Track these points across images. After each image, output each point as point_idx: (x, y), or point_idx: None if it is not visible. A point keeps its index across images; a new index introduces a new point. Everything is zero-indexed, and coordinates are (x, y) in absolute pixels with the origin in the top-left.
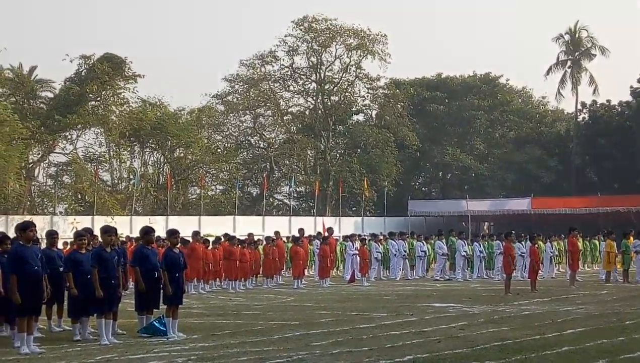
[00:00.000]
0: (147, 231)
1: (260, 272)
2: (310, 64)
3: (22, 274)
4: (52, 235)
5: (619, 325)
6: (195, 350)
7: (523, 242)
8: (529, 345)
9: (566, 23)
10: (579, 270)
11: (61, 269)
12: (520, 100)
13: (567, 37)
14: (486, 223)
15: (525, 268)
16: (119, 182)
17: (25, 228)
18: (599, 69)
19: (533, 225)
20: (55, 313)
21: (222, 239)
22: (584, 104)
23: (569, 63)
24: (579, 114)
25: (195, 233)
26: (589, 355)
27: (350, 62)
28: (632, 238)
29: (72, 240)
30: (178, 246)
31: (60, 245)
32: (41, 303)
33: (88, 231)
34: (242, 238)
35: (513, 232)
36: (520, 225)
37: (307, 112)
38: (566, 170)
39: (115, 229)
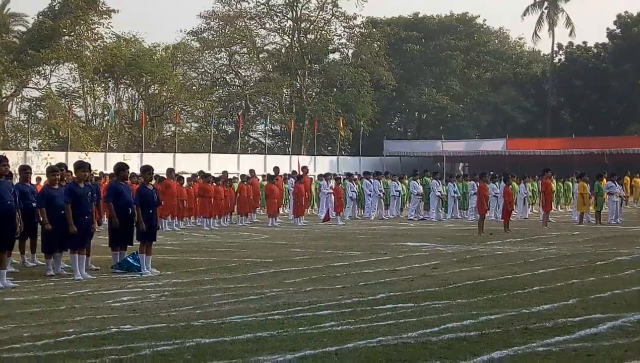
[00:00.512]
0: (121, 167)
1: (235, 210)
2: (287, 1)
3: None
4: (25, 170)
5: (590, 265)
6: (169, 286)
7: (497, 183)
8: (500, 284)
9: None
10: (552, 211)
11: (34, 204)
12: (496, 41)
13: None
14: (461, 164)
15: (499, 208)
16: (93, 118)
17: None
18: (575, 11)
19: (508, 166)
20: (28, 248)
21: (197, 177)
22: (560, 46)
23: (545, 4)
24: (555, 55)
25: (170, 171)
26: (559, 295)
27: (326, 0)
28: (605, 180)
29: (45, 175)
30: (152, 183)
31: (33, 181)
32: (14, 238)
33: (62, 166)
34: (217, 176)
35: (487, 173)
36: (495, 166)
37: (283, 50)
38: (541, 112)
39: (89, 165)
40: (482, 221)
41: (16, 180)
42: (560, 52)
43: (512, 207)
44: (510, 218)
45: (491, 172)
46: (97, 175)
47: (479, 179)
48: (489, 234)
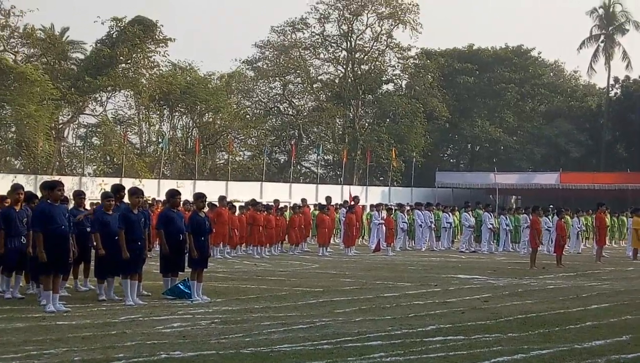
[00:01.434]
0: (173, 194)
1: (286, 239)
2: (341, 32)
3: (48, 232)
4: (79, 195)
5: None
6: (219, 314)
7: (550, 216)
8: (552, 319)
9: None
10: (606, 246)
11: (88, 229)
12: (551, 73)
13: (601, 11)
14: (514, 196)
15: (551, 242)
16: (148, 145)
17: (53, 187)
18: (632, 44)
19: (561, 199)
20: (81, 272)
21: (249, 205)
22: (616, 79)
23: (602, 37)
24: (611, 89)
25: (222, 198)
26: (612, 331)
27: (381, 31)
28: None
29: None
30: (205, 210)
31: (88, 206)
32: (68, 262)
33: (119, 188)
34: (269, 204)
35: (540, 206)
36: (548, 199)
37: (336, 80)
38: (596, 146)
39: (142, 191)
40: (535, 254)
41: (71, 205)
42: (616, 85)
43: (565, 241)
44: (563, 253)
45: (550, 206)
46: (150, 202)
47: (532, 212)
48: (541, 268)
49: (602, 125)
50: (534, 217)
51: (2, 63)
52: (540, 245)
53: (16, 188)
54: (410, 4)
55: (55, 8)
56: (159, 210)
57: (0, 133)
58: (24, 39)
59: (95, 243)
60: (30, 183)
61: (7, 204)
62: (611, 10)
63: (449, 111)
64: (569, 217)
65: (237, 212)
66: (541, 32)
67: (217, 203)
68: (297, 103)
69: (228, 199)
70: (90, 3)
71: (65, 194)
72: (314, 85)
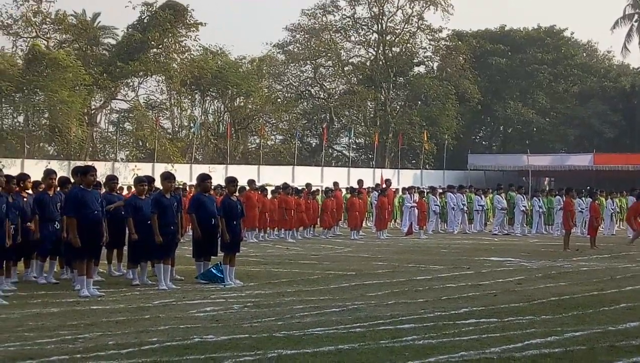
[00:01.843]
0: (203, 178)
1: (318, 223)
2: (372, 14)
3: (81, 217)
4: (112, 180)
5: None
6: (252, 297)
7: (583, 198)
8: (586, 301)
9: None
10: None
11: (122, 214)
12: (584, 54)
13: None
14: (547, 178)
15: (585, 224)
16: (180, 130)
17: (86, 172)
18: None
19: (594, 181)
20: (115, 257)
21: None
22: None
23: (635, 17)
24: None
25: (250, 182)
26: None
27: (412, 12)
28: None
29: (133, 185)
30: (236, 194)
31: (124, 191)
32: (100, 247)
33: (149, 179)
34: (301, 188)
35: (573, 188)
36: (582, 181)
37: (367, 63)
38: (630, 126)
39: (174, 176)
40: (568, 237)
41: (103, 190)
42: None
43: (599, 223)
44: (597, 235)
45: (585, 188)
46: (181, 186)
47: (565, 194)
48: (574, 250)
49: (636, 105)
50: (567, 199)
51: (34, 49)
52: (573, 227)
53: (49, 173)
54: None
55: None
56: (190, 194)
57: (33, 119)
58: (56, 25)
59: (128, 228)
60: (64, 169)
61: (40, 189)
62: None
63: (481, 93)
64: (602, 199)
65: (270, 195)
66: (574, 12)
67: (246, 187)
68: (328, 86)
69: (260, 183)
70: None
71: (97, 179)
72: (345, 68)
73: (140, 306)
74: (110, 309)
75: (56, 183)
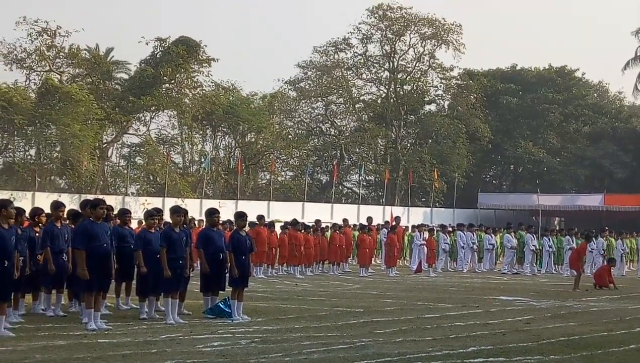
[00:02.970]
0: (212, 212)
1: (327, 259)
2: (384, 52)
3: (90, 250)
4: (125, 214)
5: None
6: (259, 333)
7: (593, 239)
8: (595, 341)
9: None
10: None
11: (131, 247)
12: (595, 94)
13: None
14: (557, 218)
15: (594, 265)
16: (190, 164)
17: (96, 205)
18: None
19: (605, 221)
20: (123, 291)
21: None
22: None
23: None
24: None
25: (260, 217)
26: None
27: (424, 51)
28: None
29: (143, 219)
30: (245, 229)
31: (133, 225)
32: (109, 280)
33: (158, 211)
34: (311, 224)
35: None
36: (592, 221)
37: (379, 101)
38: None
39: (186, 210)
40: (579, 277)
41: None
42: None
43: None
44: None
45: (587, 228)
46: (191, 220)
47: (585, 239)
48: (584, 290)
49: None
50: (584, 243)
51: (48, 83)
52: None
53: (57, 205)
54: (453, 24)
55: (101, 28)
56: (199, 229)
57: (45, 152)
58: (70, 59)
59: (137, 262)
60: (75, 202)
61: (43, 219)
62: None
63: (492, 132)
64: (612, 239)
65: (279, 231)
66: (585, 53)
67: (256, 222)
68: (339, 123)
69: (270, 219)
70: (135, 23)
71: (107, 212)
72: (356, 106)
73: (147, 340)
74: (117, 343)
75: (65, 215)
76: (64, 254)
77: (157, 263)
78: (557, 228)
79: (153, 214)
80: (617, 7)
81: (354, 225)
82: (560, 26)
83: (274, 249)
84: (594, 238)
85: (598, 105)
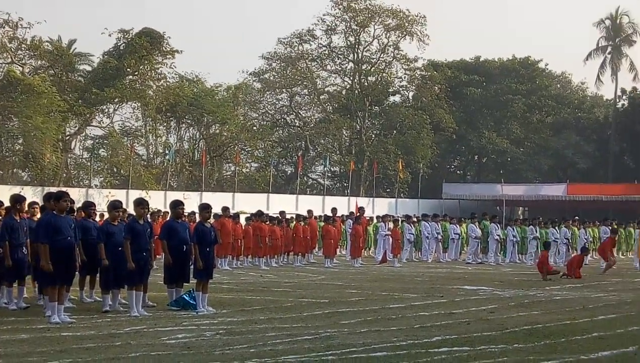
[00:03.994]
0: (176, 204)
1: (292, 250)
2: (348, 43)
3: (54, 244)
4: (89, 206)
5: None
6: (224, 325)
7: (556, 228)
8: (558, 329)
9: (607, 8)
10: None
11: (94, 240)
12: (558, 85)
13: (607, 22)
14: (521, 208)
15: (558, 253)
16: (155, 156)
17: (59, 197)
18: (639, 55)
19: (568, 211)
20: (87, 284)
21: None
22: (623, 91)
23: (609, 49)
24: (618, 100)
25: (225, 209)
26: (619, 342)
27: (388, 42)
28: None
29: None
30: (210, 220)
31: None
32: (73, 274)
33: (121, 204)
34: (275, 216)
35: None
36: (555, 211)
37: (343, 92)
38: (603, 157)
39: (147, 202)
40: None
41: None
42: (624, 97)
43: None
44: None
45: (551, 217)
46: (154, 211)
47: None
48: (547, 279)
49: (609, 136)
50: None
51: (9, 75)
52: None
53: (18, 199)
54: (417, 16)
55: (63, 20)
56: (161, 221)
57: (7, 145)
58: (32, 51)
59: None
60: (37, 195)
61: (3, 212)
62: (618, 21)
63: (456, 123)
64: (575, 229)
65: (243, 223)
66: (548, 44)
67: (221, 214)
68: (303, 115)
69: (235, 211)
70: (98, 15)
71: (71, 205)
72: (321, 97)
73: (111, 333)
74: (80, 336)
75: (26, 208)
76: (24, 247)
77: (120, 255)
78: (521, 218)
79: (117, 206)
80: None
81: (319, 216)
82: (524, 17)
83: (238, 241)
84: (557, 228)
85: (561, 95)
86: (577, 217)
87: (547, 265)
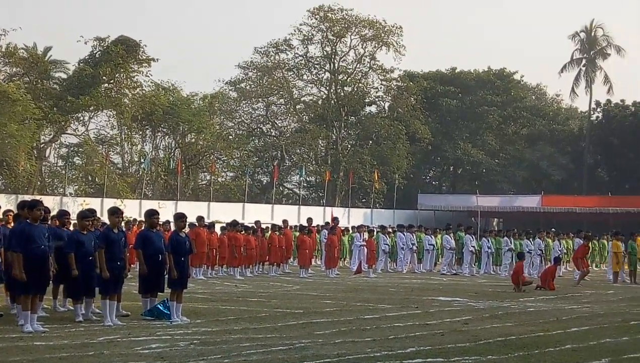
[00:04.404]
0: (151, 214)
1: (267, 260)
2: (325, 53)
3: (27, 252)
4: (63, 215)
5: (624, 325)
6: (198, 335)
7: (531, 240)
8: (532, 341)
9: (582, 21)
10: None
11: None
12: (534, 97)
13: (582, 35)
14: (495, 219)
15: (532, 265)
16: (130, 165)
17: (33, 206)
18: (613, 68)
19: (542, 222)
20: (60, 293)
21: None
22: (598, 103)
23: (583, 61)
24: (592, 112)
25: (199, 218)
26: (591, 354)
27: (364, 53)
28: (639, 239)
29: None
30: (185, 230)
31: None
32: (47, 283)
33: (92, 212)
34: (250, 225)
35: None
36: (530, 222)
37: (319, 102)
38: (578, 169)
39: (122, 211)
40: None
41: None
42: (598, 109)
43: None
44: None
45: (525, 229)
46: (130, 219)
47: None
48: (522, 291)
49: (583, 148)
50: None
51: None
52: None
53: None
54: (393, 26)
55: (38, 27)
56: (135, 229)
57: None
58: (6, 58)
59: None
60: (11, 203)
61: None
62: (592, 34)
63: (432, 133)
64: (549, 240)
65: (219, 232)
66: (523, 56)
67: (196, 224)
68: (279, 124)
69: (210, 220)
70: (74, 23)
71: (45, 214)
72: (297, 107)
73: (85, 342)
74: (53, 345)
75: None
76: None
77: (90, 265)
78: (496, 229)
79: (86, 216)
80: (555, 11)
81: (294, 226)
82: (500, 29)
83: (213, 250)
84: (531, 239)
85: (536, 107)
86: (553, 229)
87: (522, 275)
